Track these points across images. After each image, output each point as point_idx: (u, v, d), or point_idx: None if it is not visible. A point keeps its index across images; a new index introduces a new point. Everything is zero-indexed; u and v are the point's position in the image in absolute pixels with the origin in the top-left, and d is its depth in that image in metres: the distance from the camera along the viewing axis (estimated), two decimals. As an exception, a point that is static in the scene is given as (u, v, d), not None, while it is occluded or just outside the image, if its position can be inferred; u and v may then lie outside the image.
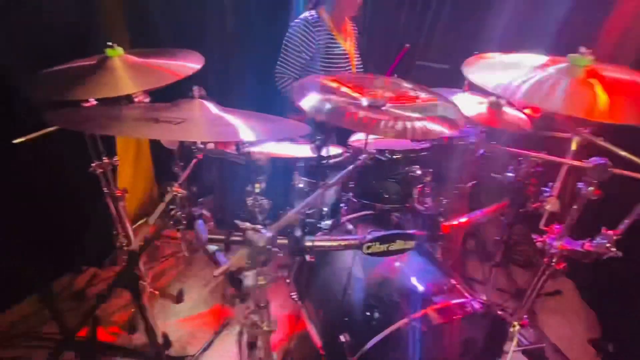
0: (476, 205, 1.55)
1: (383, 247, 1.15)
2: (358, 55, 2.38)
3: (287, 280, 1.61)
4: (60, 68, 1.32)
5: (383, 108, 1.00)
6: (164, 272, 2.34)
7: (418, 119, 0.97)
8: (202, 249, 1.40)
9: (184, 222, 1.49)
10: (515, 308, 1.43)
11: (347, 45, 2.30)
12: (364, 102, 1.03)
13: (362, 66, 2.39)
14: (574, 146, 1.54)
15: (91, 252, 2.23)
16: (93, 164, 1.79)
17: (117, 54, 1.26)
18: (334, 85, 1.11)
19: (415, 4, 2.90)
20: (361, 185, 1.46)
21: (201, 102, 1.12)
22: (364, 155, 1.03)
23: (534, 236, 1.39)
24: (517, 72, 1.11)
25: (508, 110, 1.31)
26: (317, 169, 1.20)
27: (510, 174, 1.59)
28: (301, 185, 1.12)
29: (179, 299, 2.12)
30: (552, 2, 2.53)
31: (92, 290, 2.13)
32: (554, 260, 1.39)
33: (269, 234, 0.81)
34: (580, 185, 1.23)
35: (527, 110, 1.34)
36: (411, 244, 1.19)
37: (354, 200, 1.50)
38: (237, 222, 0.84)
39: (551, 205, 1.49)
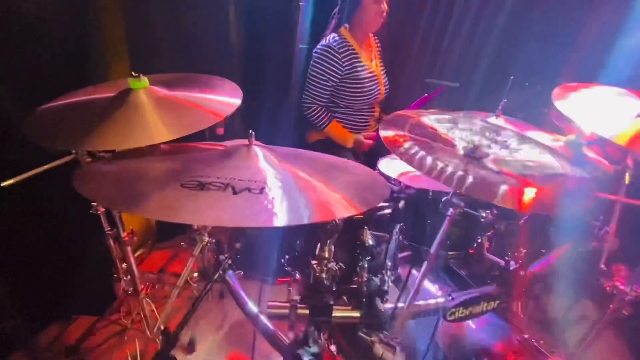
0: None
1: (466, 312, 1.01)
2: (385, 74, 2.25)
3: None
4: (69, 102, 1.09)
5: (484, 160, 0.85)
6: (170, 316, 2.08)
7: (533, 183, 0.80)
8: (246, 315, 1.20)
9: (216, 274, 1.32)
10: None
11: (373, 65, 2.16)
12: (460, 149, 0.87)
13: (389, 85, 2.26)
14: (627, 180, 1.47)
15: (84, 299, 1.95)
16: (95, 203, 1.55)
17: (142, 85, 1.04)
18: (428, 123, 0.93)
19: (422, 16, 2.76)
20: (413, 227, 1.31)
21: (254, 150, 0.93)
22: (451, 210, 0.88)
23: (601, 280, 1.30)
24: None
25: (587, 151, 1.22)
26: (389, 222, 1.04)
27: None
28: (371, 242, 0.95)
29: (190, 348, 1.88)
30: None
31: (87, 344, 1.85)
32: (620, 306, 1.30)
33: (404, 353, 0.64)
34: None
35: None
36: (494, 304, 1.06)
37: (404, 242, 1.35)
38: (362, 335, 0.66)
39: (611, 243, 1.41)
